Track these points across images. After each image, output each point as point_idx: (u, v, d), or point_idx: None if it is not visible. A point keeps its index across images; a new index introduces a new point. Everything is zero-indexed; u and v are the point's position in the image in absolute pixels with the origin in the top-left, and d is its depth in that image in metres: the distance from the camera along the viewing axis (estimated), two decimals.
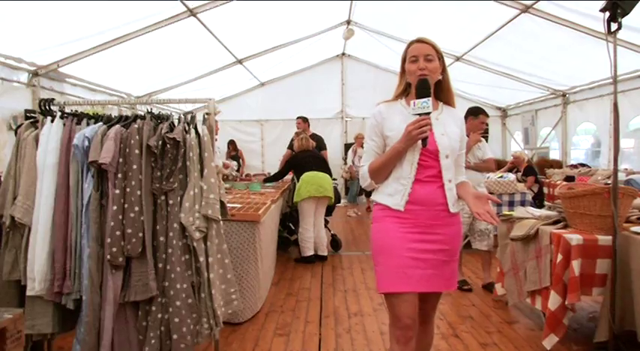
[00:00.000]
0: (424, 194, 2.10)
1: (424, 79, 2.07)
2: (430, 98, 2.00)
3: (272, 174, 6.84)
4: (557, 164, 8.25)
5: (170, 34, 5.80)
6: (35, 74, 5.37)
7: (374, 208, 2.28)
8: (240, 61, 8.19)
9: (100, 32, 5.19)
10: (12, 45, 4.66)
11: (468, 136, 4.40)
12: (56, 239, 2.47)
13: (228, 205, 3.94)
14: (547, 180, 7.43)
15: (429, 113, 1.99)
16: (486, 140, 9.57)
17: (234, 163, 8.04)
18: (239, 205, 4.03)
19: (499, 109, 10.58)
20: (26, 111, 5.08)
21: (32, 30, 4.53)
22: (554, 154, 8.93)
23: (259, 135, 10.85)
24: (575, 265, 2.99)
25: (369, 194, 5.66)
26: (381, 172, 2.16)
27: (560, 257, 3.09)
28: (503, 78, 8.11)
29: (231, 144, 10.13)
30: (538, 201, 6.99)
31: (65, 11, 4.41)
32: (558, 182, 6.97)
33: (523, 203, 6.18)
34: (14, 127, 4.74)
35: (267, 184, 6.38)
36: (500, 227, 4.04)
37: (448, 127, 2.16)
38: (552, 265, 3.21)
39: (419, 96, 2.03)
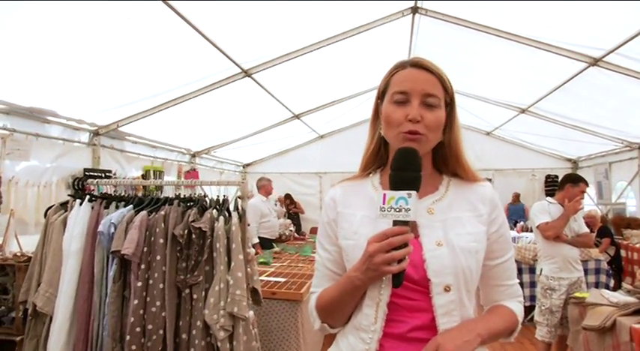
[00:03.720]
0: None
1: (407, 150, 1.15)
2: (415, 193, 1.08)
3: None
4: (636, 222, 7.53)
5: (226, 93, 5.82)
6: (96, 134, 5.49)
7: None
8: (297, 116, 8.16)
9: (158, 94, 5.27)
10: (74, 108, 4.79)
11: (562, 204, 4.10)
12: (77, 330, 2.34)
13: (270, 279, 3.79)
14: (624, 242, 6.78)
15: (407, 223, 1.08)
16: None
17: (289, 221, 7.90)
18: (283, 280, 3.81)
19: (569, 160, 9.94)
20: (85, 170, 5.25)
21: (93, 93, 4.64)
22: (632, 210, 8.21)
23: (318, 187, 10.68)
24: None
25: None
26: (333, 312, 1.25)
27: None
28: (573, 130, 7.61)
29: (288, 197, 10.04)
30: (615, 266, 6.38)
31: (124, 76, 4.51)
32: (637, 245, 6.36)
33: (598, 271, 5.63)
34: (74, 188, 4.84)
35: None
36: (572, 311, 3.61)
37: (456, 227, 1.20)
38: None
39: (395, 184, 1.12)
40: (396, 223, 1.08)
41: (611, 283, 5.55)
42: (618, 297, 3.33)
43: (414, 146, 1.16)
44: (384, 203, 1.09)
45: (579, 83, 5.75)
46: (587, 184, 4.21)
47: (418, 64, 1.23)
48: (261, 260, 4.74)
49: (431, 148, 1.26)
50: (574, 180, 4.20)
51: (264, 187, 7.00)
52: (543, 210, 4.12)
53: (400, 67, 1.26)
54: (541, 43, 4.97)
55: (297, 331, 3.50)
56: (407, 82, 1.20)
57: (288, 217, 8.74)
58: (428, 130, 1.18)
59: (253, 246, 6.15)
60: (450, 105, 1.25)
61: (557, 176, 9.50)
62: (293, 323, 3.48)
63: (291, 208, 9.82)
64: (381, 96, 1.30)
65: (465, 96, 7.34)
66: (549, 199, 4.30)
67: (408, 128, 1.17)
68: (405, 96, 1.19)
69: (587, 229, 4.22)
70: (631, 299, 3.23)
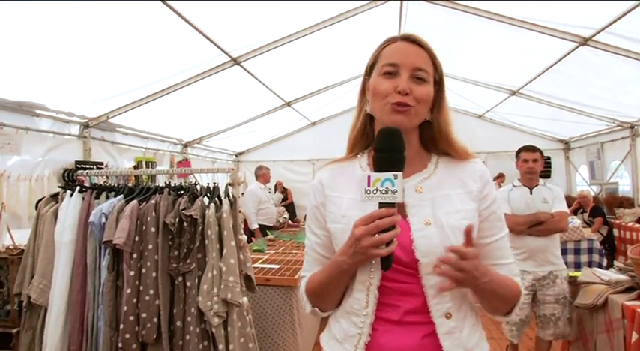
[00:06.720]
0: (395, 348, 1.14)
1: (389, 130, 1.11)
2: (400, 174, 1.05)
3: None
4: (628, 202, 7.58)
5: (216, 82, 5.80)
6: (86, 126, 5.47)
7: None
8: (288, 104, 8.13)
9: (147, 84, 5.24)
10: (63, 100, 4.76)
11: (525, 185, 3.85)
12: (72, 320, 2.35)
13: (264, 265, 3.80)
14: (617, 221, 6.82)
15: (394, 205, 1.05)
16: (549, 175, 9.04)
17: (282, 208, 7.91)
18: (276, 266, 3.83)
19: (561, 141, 9.92)
20: (76, 162, 5.23)
21: (82, 86, 4.62)
22: (625, 190, 8.25)
23: (311, 175, 10.57)
24: None
25: None
26: (322, 296, 1.24)
27: (635, 336, 2.67)
28: (564, 111, 7.61)
29: (278, 186, 10.04)
30: (608, 245, 6.43)
31: (113, 67, 4.48)
32: (630, 224, 6.40)
33: (590, 250, 5.67)
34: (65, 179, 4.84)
35: None
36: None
37: (444, 205, 1.17)
38: (626, 343, 2.79)
39: (379, 165, 1.09)
40: (382, 205, 1.05)
41: (604, 262, 5.58)
42: (610, 275, 3.35)
43: (403, 117, 1.14)
44: (368, 185, 1.06)
45: (569, 63, 5.75)
46: (530, 151, 3.72)
47: (410, 38, 1.20)
48: (255, 248, 4.75)
49: (418, 124, 1.22)
50: (516, 153, 3.85)
51: (264, 175, 7.06)
52: (503, 199, 3.66)
53: (391, 41, 1.23)
54: (530, 24, 4.96)
55: (292, 316, 3.52)
56: (397, 55, 1.17)
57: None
58: (417, 103, 1.15)
59: (253, 231, 6.20)
60: (439, 84, 1.23)
61: (549, 158, 9.51)
62: (288, 309, 3.50)
63: (283, 196, 9.83)
64: (369, 71, 1.25)
65: (456, 79, 7.32)
66: (515, 181, 3.84)
67: (396, 99, 1.13)
68: (394, 68, 1.16)
69: (562, 209, 3.62)
70: (622, 277, 3.25)
